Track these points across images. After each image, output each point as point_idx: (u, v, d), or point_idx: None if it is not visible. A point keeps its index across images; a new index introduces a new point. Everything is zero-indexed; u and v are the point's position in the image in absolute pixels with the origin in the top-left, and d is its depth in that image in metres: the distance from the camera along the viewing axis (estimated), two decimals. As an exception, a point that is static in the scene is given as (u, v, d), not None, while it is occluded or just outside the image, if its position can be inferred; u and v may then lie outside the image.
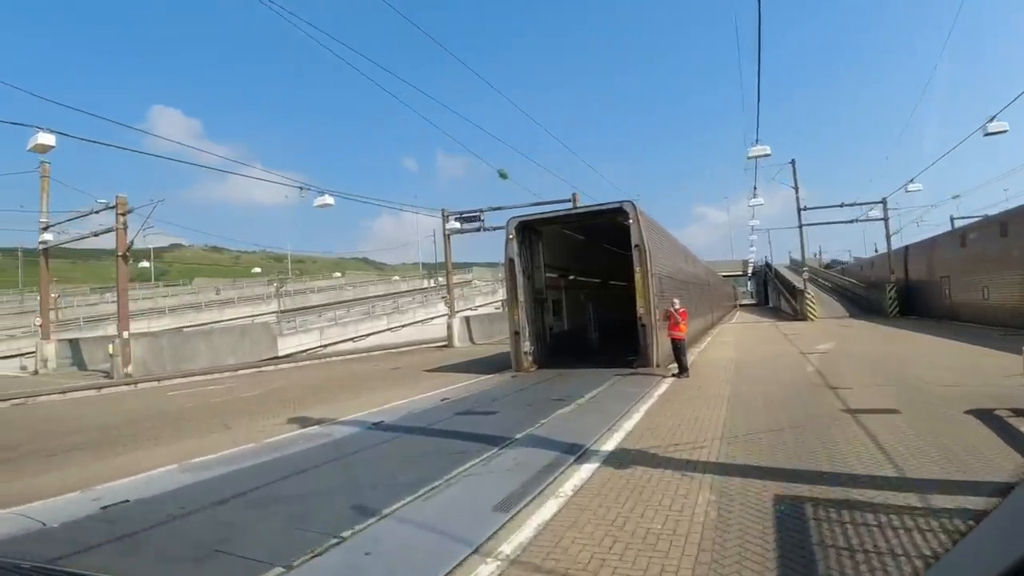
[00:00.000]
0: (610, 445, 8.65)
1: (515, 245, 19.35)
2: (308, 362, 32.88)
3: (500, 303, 59.05)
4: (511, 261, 19.32)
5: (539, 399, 13.57)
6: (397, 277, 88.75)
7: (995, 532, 1.17)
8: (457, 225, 33.81)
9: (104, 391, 24.06)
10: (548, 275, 22.52)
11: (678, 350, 16.15)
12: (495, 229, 34.04)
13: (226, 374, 27.97)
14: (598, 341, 27.50)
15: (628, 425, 9.96)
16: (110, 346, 28.24)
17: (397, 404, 14.19)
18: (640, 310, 17.91)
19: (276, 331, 37.10)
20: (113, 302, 61.63)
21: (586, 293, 27.69)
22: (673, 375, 15.87)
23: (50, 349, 33.31)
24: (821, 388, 12.90)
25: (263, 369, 29.52)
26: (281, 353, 35.81)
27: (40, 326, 34.08)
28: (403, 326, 45.72)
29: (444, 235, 35.05)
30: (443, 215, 34.09)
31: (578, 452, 8.24)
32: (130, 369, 27.33)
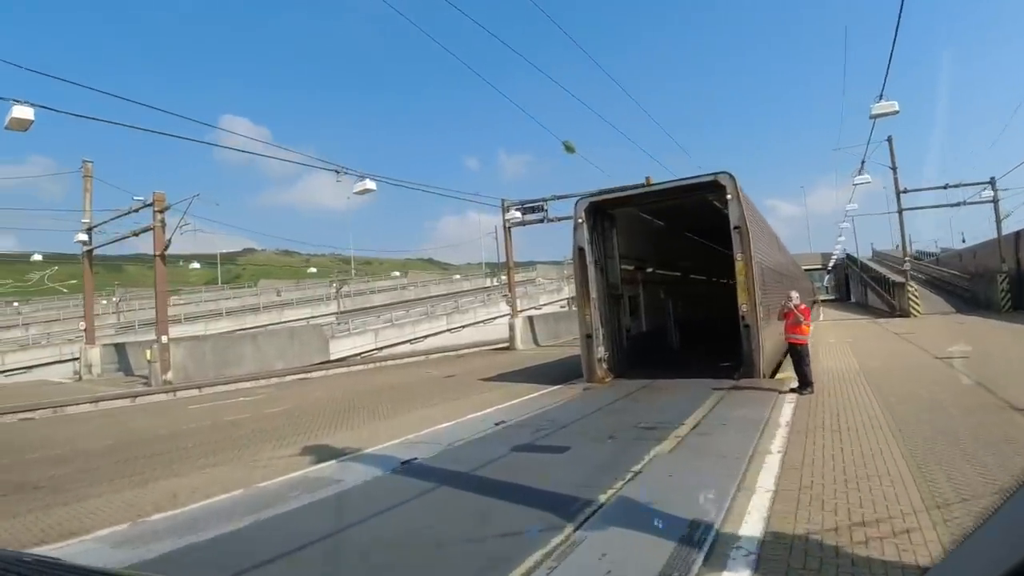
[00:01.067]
0: (753, 526, 5.35)
1: (585, 231, 16.14)
2: (359, 367, 30.37)
3: (566, 301, 55.82)
4: (580, 250, 16.12)
5: (623, 426, 10.31)
6: (458, 276, 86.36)
7: (999, 532, 1.14)
8: (518, 216, 30.71)
9: (139, 400, 22.14)
10: (623, 267, 19.22)
11: (799, 358, 12.63)
12: (560, 220, 30.86)
13: (269, 381, 25.70)
14: (682, 345, 23.98)
15: (766, 481, 6.63)
16: (147, 351, 26.30)
17: (441, 428, 11.23)
18: (743, 307, 14.49)
19: (328, 333, 34.80)
20: (177, 304, 61.52)
21: (666, 289, 24.20)
22: (792, 390, 12.39)
23: (94, 354, 31.81)
24: (1003, 410, 9.40)
25: (309, 375, 27.16)
26: (333, 357, 33.44)
27: (84, 330, 32.59)
28: (463, 327, 42.96)
29: (504, 227, 32.05)
30: (503, 206, 31.06)
31: (705, 541, 4.99)
32: (169, 376, 25.29)
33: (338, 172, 19.03)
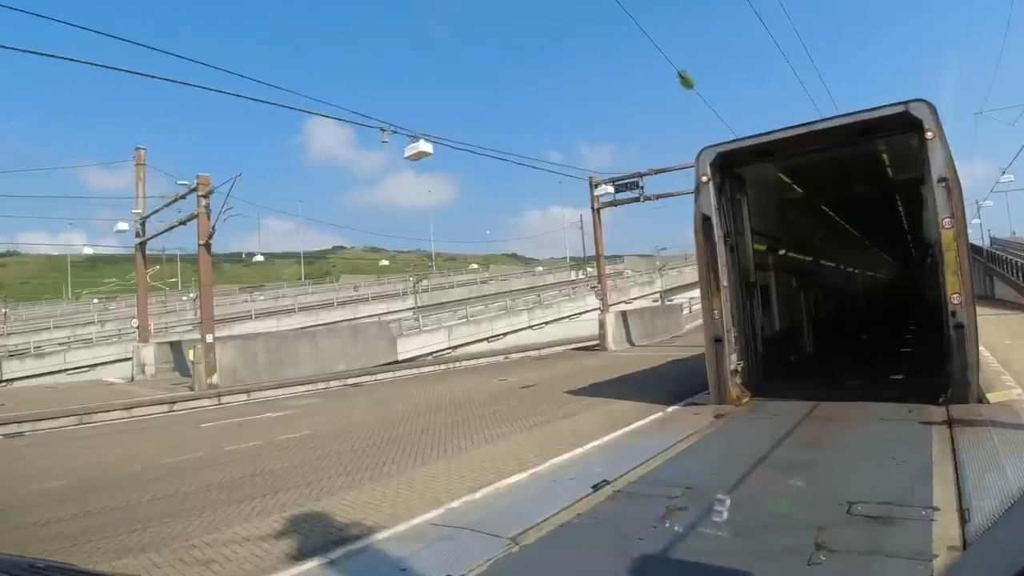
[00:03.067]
0: None
1: (711, 193, 11.66)
2: (427, 369, 26.72)
3: (659, 295, 50.82)
4: (706, 220, 11.63)
5: (823, 508, 5.73)
6: (541, 268, 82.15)
7: (1011, 532, 1.23)
8: (610, 191, 26.22)
9: (177, 407, 19.37)
10: (756, 247, 14.64)
11: None
12: (659, 198, 26.22)
13: (318, 387, 22.33)
14: (817, 349, 19.05)
15: None
16: (191, 351, 23.38)
17: (505, 488, 7.15)
18: (954, 298, 9.78)
19: (396, 331, 31.32)
20: (253, 301, 60.05)
21: (799, 278, 19.33)
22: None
23: (148, 353, 29.38)
24: None
25: (367, 380, 23.78)
26: (402, 357, 29.94)
27: (138, 328, 30.20)
28: (546, 323, 38.75)
29: (592, 209, 27.62)
30: (591, 183, 26.61)
31: None
32: (215, 379, 22.27)
33: (383, 130, 15.25)
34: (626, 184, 26.52)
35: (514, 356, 29.84)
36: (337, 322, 41.26)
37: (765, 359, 13.96)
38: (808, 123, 11.02)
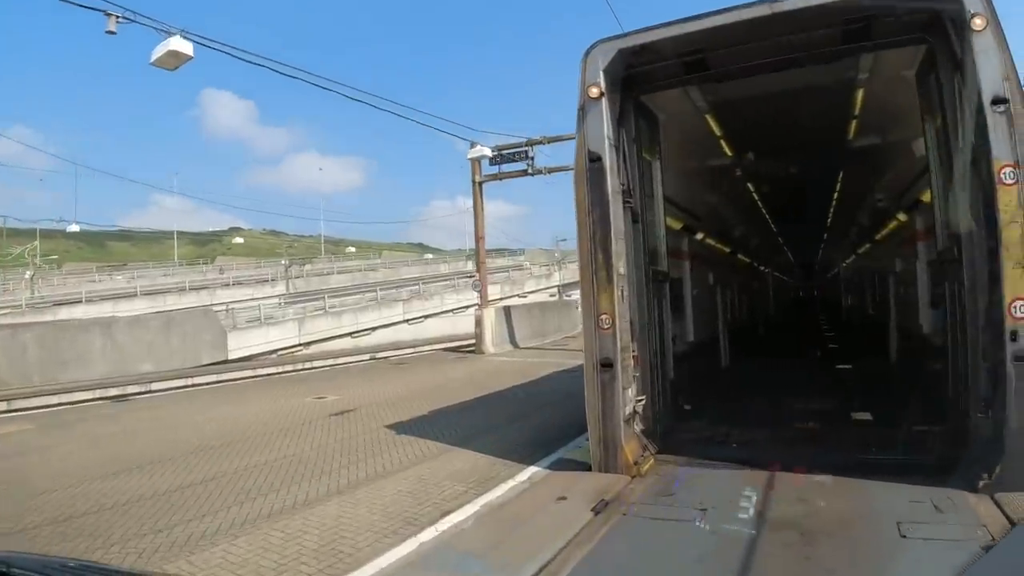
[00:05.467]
0: None
1: (604, 118, 6.94)
2: (251, 374, 21.16)
3: (556, 289, 46.65)
4: (594, 162, 6.91)
5: None
6: (430, 255, 76.88)
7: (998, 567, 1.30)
8: (486, 153, 21.22)
9: None
10: (670, 223, 10.16)
11: None
12: (552, 172, 21.62)
13: (86, 396, 16.50)
14: (748, 364, 14.90)
15: None
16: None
17: None
18: (1018, 308, 5.49)
19: (228, 323, 25.52)
20: (100, 282, 52.45)
21: (719, 273, 15.15)
22: None
23: None
24: None
25: (161, 388, 18.09)
26: (233, 355, 24.21)
27: None
28: (426, 316, 33.63)
29: (473, 182, 22.70)
30: (472, 149, 21.58)
31: None
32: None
33: (110, 16, 9.86)
34: (513, 154, 21.76)
35: (381, 356, 24.73)
36: (173, 310, 34.80)
37: (676, 386, 9.49)
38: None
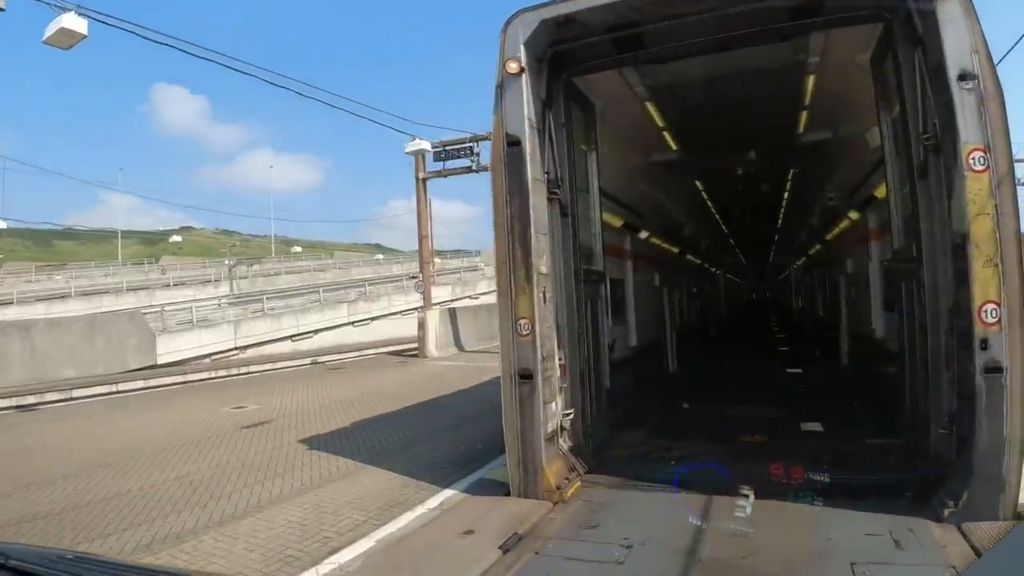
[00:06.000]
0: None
1: (525, 95, 6.13)
2: (180, 380, 19.90)
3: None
4: (513, 145, 6.10)
5: None
6: (380, 256, 75.44)
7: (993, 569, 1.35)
8: (426, 148, 20.32)
9: None
10: (608, 220, 9.44)
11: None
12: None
13: (19, 402, 15.41)
14: (697, 370, 14.28)
15: None
16: None
17: None
18: (988, 312, 4.85)
19: (157, 326, 24.17)
20: (57, 280, 50.13)
21: (666, 274, 14.51)
22: None
23: None
24: None
25: (82, 396, 16.84)
26: (164, 360, 22.90)
27: None
28: (372, 318, 32.44)
29: (416, 179, 21.75)
30: (411, 143, 20.61)
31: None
32: None
33: None
34: (458, 150, 20.89)
35: (323, 360, 23.62)
36: (99, 312, 33.08)
37: (614, 396, 8.75)
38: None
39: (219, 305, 34.16)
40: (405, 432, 9.99)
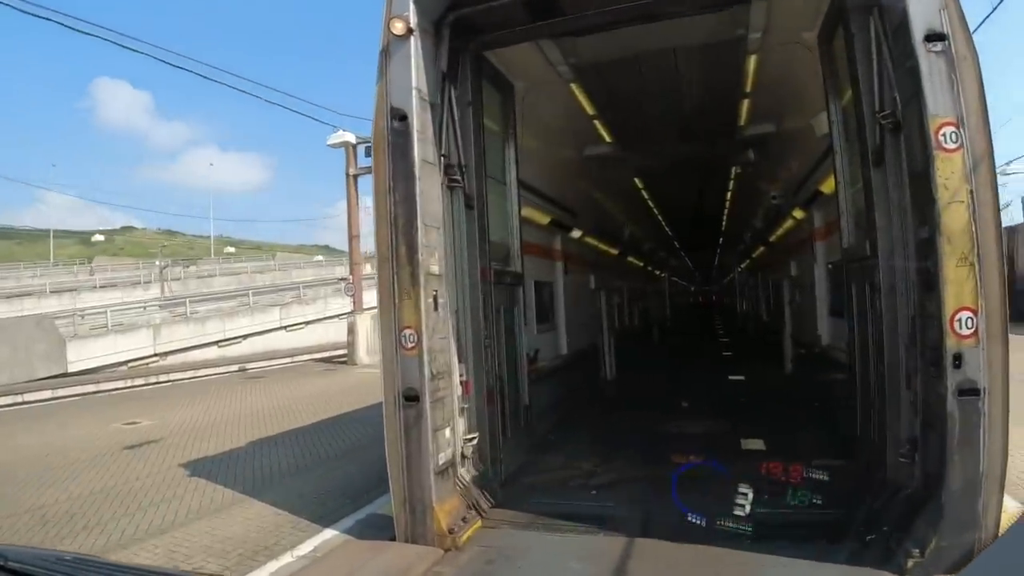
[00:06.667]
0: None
1: (415, 61, 5.13)
2: (92, 389, 18.53)
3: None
4: (400, 120, 5.07)
5: None
6: (320, 258, 73.55)
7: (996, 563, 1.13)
8: (350, 141, 19.25)
9: None
10: (530, 215, 8.50)
11: None
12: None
13: None
14: (633, 378, 13.42)
15: None
16: None
17: None
18: (961, 321, 4.00)
19: (69, 332, 22.44)
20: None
21: (602, 277, 13.67)
22: None
23: None
24: None
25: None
26: (75, 367, 21.24)
27: None
28: (307, 323, 30.99)
29: (346, 175, 20.54)
30: (333, 135, 19.43)
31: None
32: None
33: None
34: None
35: (251, 367, 22.25)
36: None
37: (534, 412, 7.80)
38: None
39: (144, 309, 32.25)
40: (305, 454, 8.88)
